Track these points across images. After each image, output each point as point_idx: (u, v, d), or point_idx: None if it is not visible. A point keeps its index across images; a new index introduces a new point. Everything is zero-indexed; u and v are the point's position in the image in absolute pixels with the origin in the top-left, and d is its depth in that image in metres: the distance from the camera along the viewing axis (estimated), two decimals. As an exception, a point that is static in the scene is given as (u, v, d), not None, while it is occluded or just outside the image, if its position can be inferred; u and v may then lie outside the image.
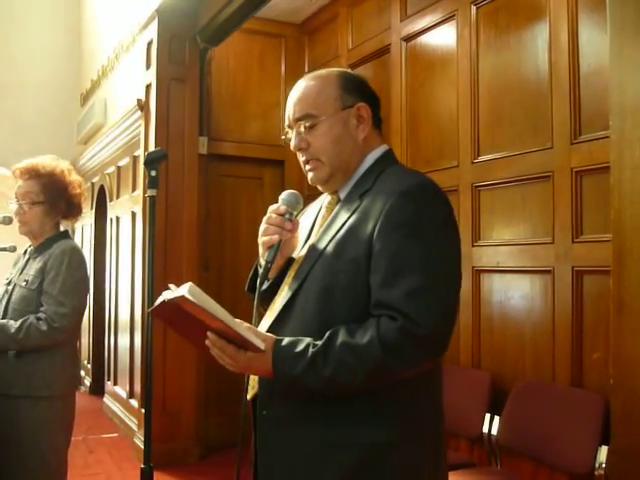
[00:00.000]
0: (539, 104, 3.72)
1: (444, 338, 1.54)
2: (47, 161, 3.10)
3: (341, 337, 1.51)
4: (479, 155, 4.13)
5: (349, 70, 1.88)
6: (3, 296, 3.01)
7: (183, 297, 1.42)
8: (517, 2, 3.93)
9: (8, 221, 4.00)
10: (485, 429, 3.76)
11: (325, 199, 1.84)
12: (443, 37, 4.50)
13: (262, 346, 1.52)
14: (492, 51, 4.07)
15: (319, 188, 1.83)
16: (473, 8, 4.21)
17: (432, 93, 4.61)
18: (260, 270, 1.74)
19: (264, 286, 1.76)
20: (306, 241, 1.78)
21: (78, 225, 8.74)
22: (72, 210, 3.16)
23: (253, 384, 1.71)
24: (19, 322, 2.81)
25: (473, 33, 4.20)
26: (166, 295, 1.50)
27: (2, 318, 2.91)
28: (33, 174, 3.03)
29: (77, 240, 8.41)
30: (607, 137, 3.01)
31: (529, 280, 3.77)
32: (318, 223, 1.79)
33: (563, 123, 3.55)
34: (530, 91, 3.79)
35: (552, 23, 3.65)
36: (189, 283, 1.45)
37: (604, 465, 3.12)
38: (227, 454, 5.25)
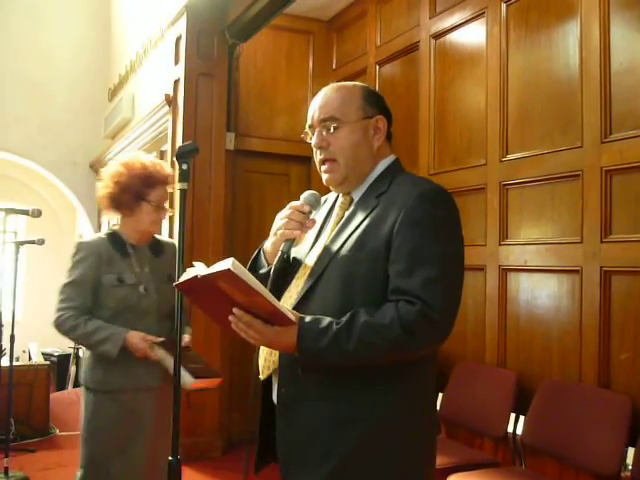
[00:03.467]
0: (569, 103, 3.69)
1: (452, 323, 1.72)
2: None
3: (363, 317, 1.66)
4: (507, 153, 4.10)
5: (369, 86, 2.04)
6: (138, 297, 2.94)
7: (229, 270, 1.50)
8: (548, 0, 3.90)
9: (37, 214, 4.02)
10: (510, 428, 3.76)
11: (334, 199, 2.02)
12: (473, 34, 4.48)
13: (293, 318, 1.65)
14: (522, 49, 4.05)
15: (332, 189, 2.01)
16: (503, 5, 4.18)
17: (461, 91, 4.59)
18: (275, 260, 1.87)
19: (263, 270, 1.93)
20: (317, 236, 1.95)
21: (104, 219, 8.80)
22: None
23: (267, 365, 1.87)
24: None
25: (503, 31, 4.18)
26: (198, 271, 1.60)
27: (159, 318, 3.04)
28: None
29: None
30: (639, 136, 3.00)
31: (556, 279, 3.75)
32: (332, 220, 1.95)
33: (593, 122, 3.52)
34: (560, 89, 3.76)
35: (583, 21, 3.62)
36: (231, 258, 1.53)
37: (630, 467, 3.10)
38: (250, 449, 5.24)
